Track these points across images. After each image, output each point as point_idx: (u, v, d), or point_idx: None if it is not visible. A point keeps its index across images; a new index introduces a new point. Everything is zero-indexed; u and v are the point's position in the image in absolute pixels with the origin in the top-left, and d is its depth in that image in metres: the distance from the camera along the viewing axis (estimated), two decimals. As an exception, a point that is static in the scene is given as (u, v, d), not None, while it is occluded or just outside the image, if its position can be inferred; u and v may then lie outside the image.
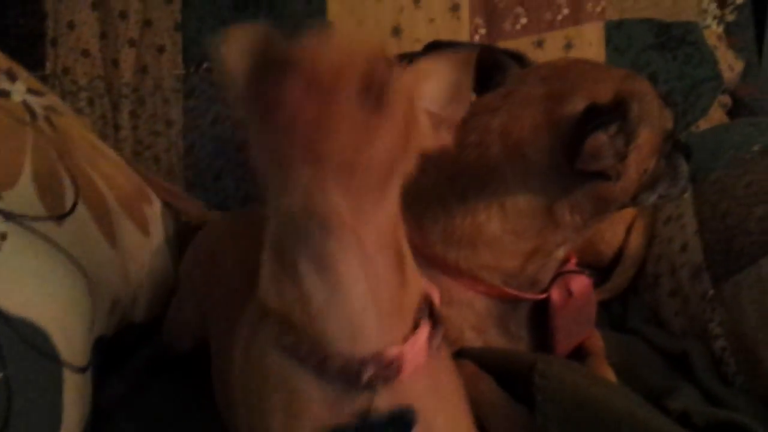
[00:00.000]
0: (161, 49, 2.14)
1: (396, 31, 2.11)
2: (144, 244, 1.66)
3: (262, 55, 0.78)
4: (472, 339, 1.36)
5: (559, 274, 1.40)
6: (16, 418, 1.06)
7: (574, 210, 1.32)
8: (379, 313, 0.89)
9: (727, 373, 1.47)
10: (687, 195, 1.71)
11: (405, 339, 0.92)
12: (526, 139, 1.30)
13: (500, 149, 1.31)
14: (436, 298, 0.99)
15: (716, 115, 2.23)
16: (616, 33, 2.15)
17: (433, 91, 0.91)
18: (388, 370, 0.90)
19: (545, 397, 1.18)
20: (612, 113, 1.25)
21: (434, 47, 1.47)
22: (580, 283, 1.39)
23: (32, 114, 1.45)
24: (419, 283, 0.97)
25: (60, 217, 1.32)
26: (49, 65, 2.14)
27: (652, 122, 1.32)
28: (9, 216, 1.21)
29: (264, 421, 0.96)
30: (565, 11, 2.13)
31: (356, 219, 0.84)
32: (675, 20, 2.19)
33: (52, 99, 1.63)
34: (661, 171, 1.37)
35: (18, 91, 1.48)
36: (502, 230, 1.32)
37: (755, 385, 1.41)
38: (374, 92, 0.78)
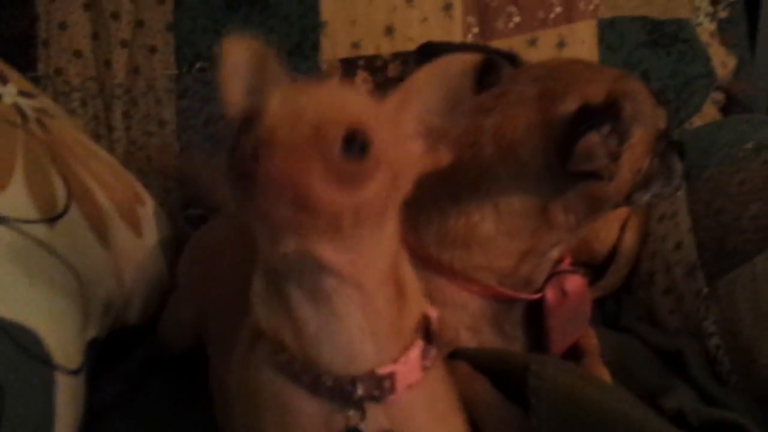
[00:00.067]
0: (153, 50, 2.13)
1: (389, 30, 2.10)
2: (137, 245, 1.66)
3: (242, 125, 0.78)
4: (466, 339, 1.36)
5: (554, 274, 1.39)
6: (9, 422, 1.05)
7: (568, 210, 1.31)
8: (376, 339, 0.90)
9: (721, 371, 1.47)
10: (681, 192, 1.71)
11: (398, 357, 0.92)
12: (519, 139, 1.29)
13: (493, 150, 1.31)
14: (434, 316, 0.99)
15: (709, 112, 2.23)
16: (609, 31, 2.14)
17: (429, 102, 0.90)
18: (381, 388, 0.90)
19: (539, 398, 1.18)
20: (605, 113, 1.24)
21: (427, 48, 1.47)
22: (575, 282, 1.39)
23: (23, 116, 1.44)
24: (419, 304, 0.96)
25: (52, 220, 1.32)
26: (41, 66, 2.13)
27: (645, 122, 1.31)
28: (0, 219, 1.20)
29: None
30: (558, 9, 2.13)
31: (354, 266, 0.85)
32: (668, 17, 2.19)
33: (44, 101, 1.63)
34: (654, 170, 1.37)
35: (9, 93, 1.48)
36: (496, 231, 1.32)
37: (749, 384, 1.41)
38: (357, 143, 0.79)
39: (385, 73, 2.09)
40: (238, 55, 0.91)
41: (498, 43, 2.11)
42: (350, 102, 0.84)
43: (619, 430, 1.12)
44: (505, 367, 1.27)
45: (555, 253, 1.38)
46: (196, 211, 2.09)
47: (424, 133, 0.91)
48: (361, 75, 2.11)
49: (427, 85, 0.90)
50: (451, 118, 0.91)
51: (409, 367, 0.93)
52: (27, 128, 1.42)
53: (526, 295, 1.38)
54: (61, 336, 1.21)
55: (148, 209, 1.79)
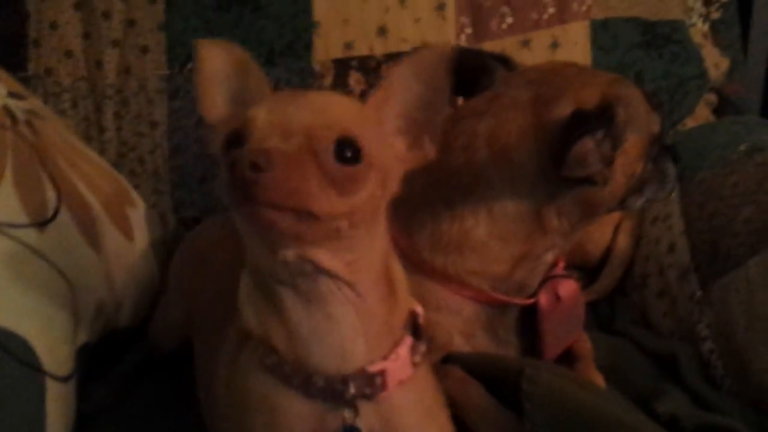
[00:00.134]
0: (145, 50, 2.12)
1: (382, 31, 2.09)
2: (128, 249, 1.65)
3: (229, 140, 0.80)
4: (460, 344, 1.36)
5: (547, 279, 1.39)
6: (-1, 430, 1.05)
7: (562, 215, 1.31)
8: (367, 338, 0.90)
9: (714, 375, 1.47)
10: (674, 195, 1.71)
11: (388, 354, 0.92)
12: (512, 143, 1.29)
13: (487, 154, 1.31)
14: (420, 312, 1.00)
15: (702, 113, 2.23)
16: (602, 32, 2.14)
17: (408, 97, 0.91)
18: (372, 385, 0.91)
19: (533, 403, 1.18)
20: (598, 118, 1.24)
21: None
22: (568, 287, 1.39)
23: (13, 118, 1.43)
24: (407, 301, 0.97)
25: (42, 224, 1.31)
26: (31, 66, 2.12)
27: (639, 127, 1.31)
28: (-10, 224, 1.20)
29: None
30: (551, 10, 2.12)
31: (349, 268, 0.86)
32: (661, 18, 2.18)
33: (34, 102, 1.62)
34: (648, 174, 1.37)
35: (-1, 95, 1.47)
36: (489, 235, 1.32)
37: (743, 388, 1.41)
38: (349, 149, 0.80)
39: (378, 74, 2.08)
40: (215, 61, 0.92)
41: (491, 44, 2.10)
42: (337, 108, 0.85)
43: (613, 436, 1.12)
44: (499, 372, 1.27)
45: (549, 258, 1.38)
46: (188, 213, 2.08)
47: (407, 128, 0.92)
48: (354, 76, 2.11)
49: (404, 81, 0.91)
50: (432, 110, 0.92)
51: (400, 363, 0.93)
52: (17, 130, 1.41)
53: (519, 300, 1.38)
54: (52, 342, 1.20)
55: (139, 211, 1.78)
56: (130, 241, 1.67)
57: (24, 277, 1.20)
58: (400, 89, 0.91)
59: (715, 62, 2.25)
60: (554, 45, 2.12)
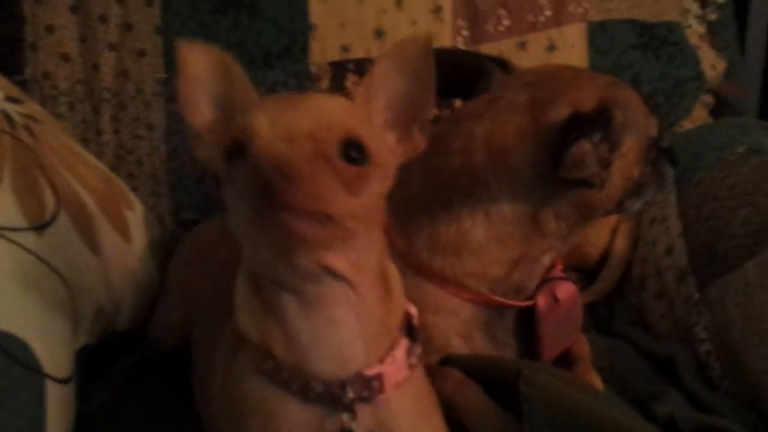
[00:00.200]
0: (142, 53, 2.12)
1: (378, 33, 2.10)
2: (126, 251, 1.65)
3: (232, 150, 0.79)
4: (458, 346, 1.36)
5: (545, 281, 1.39)
6: (-2, 431, 1.05)
7: (559, 217, 1.31)
8: (365, 340, 0.90)
9: (712, 377, 1.47)
10: (671, 197, 1.71)
11: (384, 357, 0.92)
12: (509, 146, 1.29)
13: (484, 156, 1.31)
14: (414, 313, 1.00)
15: (699, 115, 2.23)
16: (599, 34, 2.14)
17: (394, 90, 0.92)
18: (370, 389, 0.91)
19: (531, 405, 1.18)
20: (595, 121, 1.24)
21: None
22: (566, 289, 1.39)
23: (11, 122, 1.43)
24: (402, 301, 0.97)
25: (40, 228, 1.31)
26: (28, 70, 2.11)
27: (636, 129, 1.31)
28: (-12, 228, 1.20)
29: None
30: (548, 12, 2.13)
31: (354, 268, 0.86)
32: (657, 20, 2.19)
33: (32, 106, 1.62)
34: (646, 178, 1.37)
35: (-4, 99, 1.47)
36: (487, 238, 1.32)
37: (740, 390, 1.41)
38: (354, 149, 0.80)
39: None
40: (198, 64, 0.92)
41: (488, 46, 2.11)
42: (336, 109, 0.85)
43: (610, 439, 1.12)
44: (497, 374, 1.27)
45: (546, 260, 1.38)
46: (187, 215, 2.08)
47: (395, 121, 0.92)
48: (351, 78, 2.11)
49: (388, 75, 0.91)
50: (419, 101, 0.92)
51: (396, 366, 0.94)
52: (14, 134, 1.41)
53: (517, 302, 1.38)
54: (51, 345, 1.20)
55: (137, 214, 1.78)
56: (128, 244, 1.67)
57: (23, 280, 1.20)
58: (384, 83, 0.91)
59: (712, 64, 2.25)
60: (551, 47, 2.13)
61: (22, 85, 2.01)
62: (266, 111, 0.81)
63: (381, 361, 0.92)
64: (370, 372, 0.91)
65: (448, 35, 2.12)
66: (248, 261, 0.91)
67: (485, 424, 1.22)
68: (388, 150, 0.90)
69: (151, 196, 2.10)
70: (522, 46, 2.13)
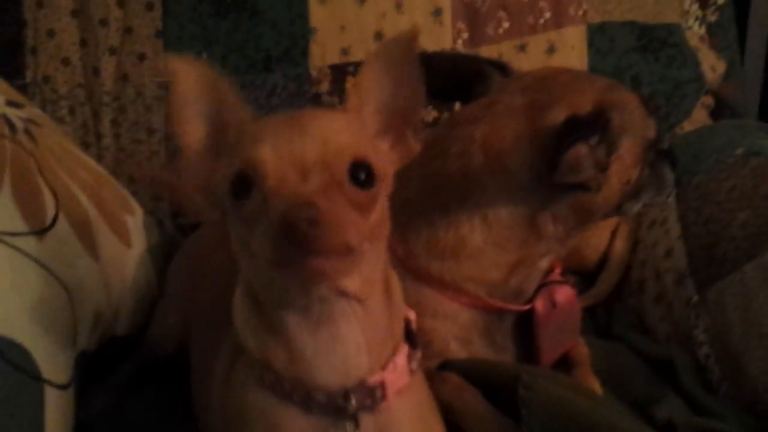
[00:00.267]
0: (142, 57, 2.12)
1: (378, 36, 2.10)
2: (126, 256, 1.65)
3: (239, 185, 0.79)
4: (457, 350, 1.36)
5: (544, 285, 1.39)
6: (-3, 437, 1.05)
7: (557, 220, 1.31)
8: (370, 350, 0.90)
9: (711, 380, 1.47)
10: (671, 199, 1.71)
11: (385, 363, 0.92)
12: (507, 149, 1.29)
13: (482, 160, 1.31)
14: (413, 318, 1.00)
15: (699, 116, 2.23)
16: (599, 36, 2.14)
17: (383, 93, 0.91)
18: (372, 397, 0.91)
19: (530, 409, 1.18)
20: (592, 124, 1.24)
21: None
22: (564, 293, 1.39)
23: (11, 127, 1.43)
24: (402, 306, 0.97)
25: (40, 232, 1.31)
26: (29, 74, 2.12)
27: (634, 132, 1.31)
28: (-12, 233, 1.20)
29: None
30: (547, 15, 2.13)
31: (363, 285, 0.86)
32: (657, 22, 2.19)
33: (32, 111, 1.62)
34: (645, 180, 1.37)
35: (-3, 104, 1.47)
36: (484, 242, 1.32)
37: (739, 393, 1.41)
38: (363, 171, 0.80)
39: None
40: (188, 81, 0.89)
41: (488, 49, 2.11)
42: (339, 131, 0.84)
43: (609, 442, 1.12)
44: (496, 378, 1.27)
45: (545, 264, 1.38)
46: (187, 220, 2.08)
47: (388, 126, 0.92)
48: (351, 81, 2.11)
49: (375, 80, 0.91)
50: (409, 102, 0.92)
51: (398, 373, 0.94)
52: (15, 139, 1.41)
53: (515, 306, 1.38)
54: (50, 350, 1.20)
55: (137, 219, 1.79)
56: (128, 248, 1.67)
57: (23, 284, 1.20)
58: (373, 89, 0.91)
59: (712, 65, 2.25)
60: (551, 49, 2.13)
61: (23, 89, 2.02)
62: (272, 141, 0.80)
63: (382, 367, 0.92)
64: (373, 380, 0.91)
65: (448, 38, 2.12)
66: (248, 283, 0.91)
67: (484, 428, 1.22)
68: (385, 158, 0.90)
69: (151, 201, 2.10)
70: (522, 48, 2.13)
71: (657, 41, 2.18)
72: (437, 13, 2.11)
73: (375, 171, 0.82)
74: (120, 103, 2.13)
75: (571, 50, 2.14)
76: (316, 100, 2.09)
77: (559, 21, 2.14)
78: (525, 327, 1.40)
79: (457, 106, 1.50)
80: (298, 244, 0.72)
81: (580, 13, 2.14)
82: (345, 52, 2.11)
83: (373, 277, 0.89)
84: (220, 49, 2.10)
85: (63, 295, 1.29)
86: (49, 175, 1.44)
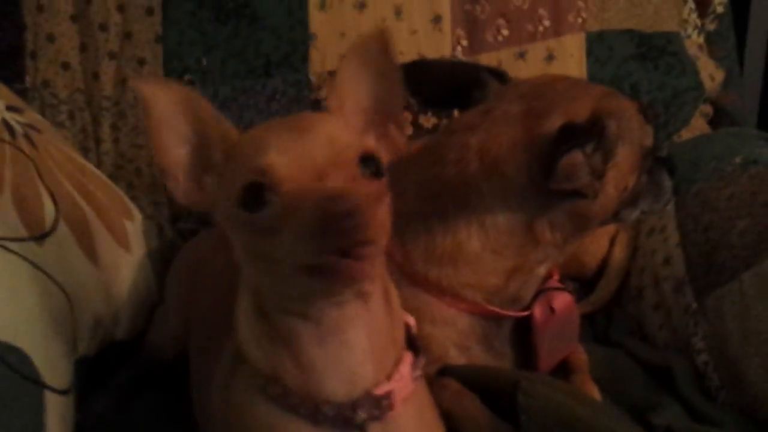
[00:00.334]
0: (142, 62, 2.12)
1: (378, 43, 2.10)
2: (125, 261, 1.65)
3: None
4: (455, 356, 1.36)
5: (542, 291, 1.39)
6: (-3, 442, 1.05)
7: (554, 227, 1.31)
8: (374, 357, 0.91)
9: (710, 387, 1.47)
10: (669, 207, 1.71)
11: (391, 373, 0.92)
12: (503, 156, 1.29)
13: (478, 167, 1.31)
14: (412, 323, 1.00)
15: (697, 125, 2.24)
16: (598, 44, 2.15)
17: (361, 90, 0.91)
18: (380, 407, 0.91)
19: (529, 415, 1.18)
20: (588, 132, 1.24)
21: (416, 66, 1.48)
22: (562, 300, 1.39)
23: (11, 132, 1.43)
24: (401, 312, 0.97)
25: (40, 237, 1.32)
26: (29, 78, 2.12)
27: (630, 139, 1.31)
28: (-12, 238, 1.20)
29: None
30: (546, 23, 2.13)
31: (371, 284, 0.86)
32: (656, 30, 2.19)
33: (32, 115, 1.62)
34: (642, 187, 1.38)
35: (-3, 109, 1.47)
36: (482, 248, 1.32)
37: (738, 400, 1.41)
38: (372, 164, 0.81)
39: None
40: (161, 105, 0.87)
41: (487, 56, 2.11)
42: (338, 129, 0.85)
43: (608, 450, 1.12)
44: (495, 385, 1.28)
45: (542, 270, 1.38)
46: (187, 225, 2.08)
47: (370, 121, 0.92)
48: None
49: (352, 77, 0.91)
50: (389, 95, 0.92)
51: (404, 382, 0.94)
52: (15, 144, 1.41)
53: (514, 313, 1.38)
54: (51, 355, 1.20)
55: (136, 223, 1.79)
56: (127, 253, 1.67)
57: (22, 290, 1.20)
58: (351, 86, 0.91)
59: (711, 74, 2.26)
60: (550, 57, 2.13)
61: (23, 93, 2.02)
62: (277, 147, 0.80)
63: (388, 377, 0.92)
64: (380, 391, 0.91)
65: (447, 45, 2.12)
66: (256, 293, 0.91)
67: (483, 434, 1.23)
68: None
69: (150, 205, 2.10)
70: (521, 55, 2.14)
71: (656, 49, 2.18)
72: (437, 20, 2.12)
73: (382, 162, 0.82)
74: (119, 108, 2.13)
75: (570, 58, 2.15)
76: (316, 106, 2.09)
77: (558, 29, 2.14)
78: (523, 333, 1.40)
79: (456, 113, 1.51)
80: (341, 238, 0.71)
81: (579, 21, 2.15)
82: (345, 57, 2.10)
83: (376, 273, 0.88)
84: (219, 54, 2.10)
85: (63, 300, 1.29)
86: (49, 180, 1.44)
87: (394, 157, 0.93)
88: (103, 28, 2.13)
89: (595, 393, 1.37)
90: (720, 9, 2.32)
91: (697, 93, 2.20)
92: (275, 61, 2.11)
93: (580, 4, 2.14)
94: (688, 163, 1.78)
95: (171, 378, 1.52)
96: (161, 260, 1.83)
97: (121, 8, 2.12)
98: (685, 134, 2.20)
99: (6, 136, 1.41)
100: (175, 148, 0.88)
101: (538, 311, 1.38)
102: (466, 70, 1.50)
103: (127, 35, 2.13)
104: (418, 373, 0.97)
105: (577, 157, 1.22)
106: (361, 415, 0.90)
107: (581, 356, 1.47)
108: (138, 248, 1.73)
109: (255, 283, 0.90)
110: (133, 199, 1.93)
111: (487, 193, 1.31)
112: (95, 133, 2.13)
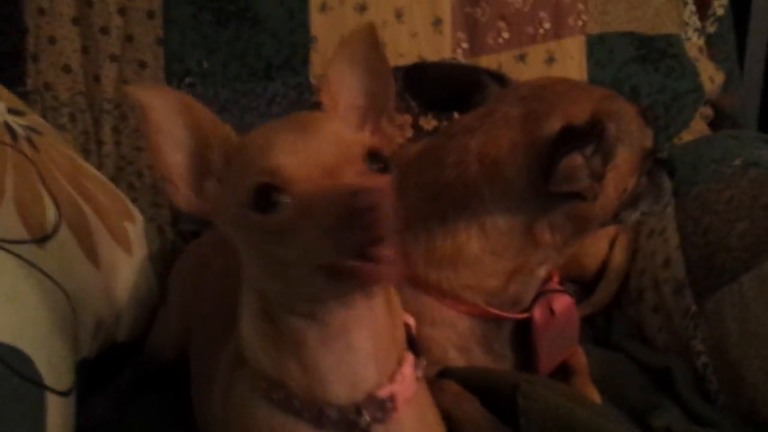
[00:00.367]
0: (143, 64, 2.12)
1: (379, 46, 2.10)
2: (127, 263, 1.66)
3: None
4: (455, 358, 1.37)
5: (541, 293, 1.40)
6: (-2, 444, 1.05)
7: (554, 229, 1.32)
8: (377, 359, 0.91)
9: (709, 390, 1.48)
10: (669, 209, 1.71)
11: (393, 375, 0.92)
12: (503, 159, 1.30)
13: (478, 169, 1.32)
14: (412, 324, 1.01)
15: (698, 127, 2.24)
16: (598, 47, 2.15)
17: (351, 86, 0.92)
18: (383, 410, 0.91)
19: (529, 418, 1.18)
20: (587, 134, 1.25)
21: (416, 69, 1.48)
22: (562, 302, 1.39)
23: (13, 135, 1.44)
24: (401, 313, 0.98)
25: (42, 240, 1.32)
26: (30, 81, 2.12)
27: (630, 142, 1.32)
28: (-10, 241, 1.20)
29: None
30: (547, 25, 2.13)
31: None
32: (656, 33, 2.20)
33: (33, 118, 1.63)
34: (642, 189, 1.38)
35: (-1, 112, 1.48)
36: (482, 250, 1.32)
37: (737, 403, 1.41)
38: (378, 159, 0.81)
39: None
40: (158, 111, 0.87)
41: (487, 59, 2.11)
42: (341, 127, 0.85)
43: (607, 452, 1.13)
44: (495, 387, 1.28)
45: (542, 272, 1.39)
46: (188, 226, 2.08)
47: (363, 116, 0.93)
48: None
49: (342, 74, 0.91)
50: (378, 90, 0.92)
51: (406, 384, 0.94)
52: (17, 147, 1.41)
53: (513, 315, 1.38)
54: (52, 357, 1.20)
55: (137, 226, 1.79)
56: (128, 255, 1.67)
57: (24, 292, 1.20)
58: (343, 83, 0.92)
59: (711, 76, 2.26)
60: (550, 59, 2.14)
61: (24, 96, 2.01)
62: (284, 148, 0.80)
63: (391, 379, 0.93)
64: (383, 393, 0.91)
65: (447, 47, 2.12)
66: (261, 297, 0.90)
67: (483, 437, 1.23)
68: None
69: (151, 207, 2.09)
70: (521, 58, 2.14)
71: (656, 52, 2.18)
72: (437, 22, 2.12)
73: (386, 156, 0.82)
74: (121, 111, 2.13)
75: (570, 61, 2.15)
76: (317, 109, 2.08)
77: (558, 32, 2.14)
78: (523, 335, 1.40)
79: (456, 115, 1.51)
80: (362, 233, 0.71)
81: (580, 23, 2.15)
82: (345, 60, 2.10)
83: None
84: (220, 57, 2.10)
85: (64, 302, 1.30)
86: (51, 183, 1.44)
87: (390, 152, 0.93)
88: (105, 31, 2.12)
89: (595, 395, 1.37)
90: (720, 11, 2.32)
91: (697, 95, 2.20)
92: (276, 64, 2.11)
93: (581, 6, 2.14)
94: (688, 166, 1.79)
95: (172, 380, 1.53)
96: (162, 262, 1.84)
97: (122, 11, 2.12)
98: (686, 136, 2.20)
99: (7, 139, 1.41)
100: (174, 154, 0.88)
101: (538, 313, 1.38)
102: (466, 72, 1.50)
103: (129, 38, 2.13)
104: (420, 373, 0.97)
105: (576, 159, 1.22)
106: (366, 417, 0.90)
107: (581, 358, 1.47)
108: (139, 250, 1.74)
109: (260, 285, 0.89)
110: (134, 201, 1.93)
111: (487, 195, 1.31)
112: (96, 136, 2.13)
